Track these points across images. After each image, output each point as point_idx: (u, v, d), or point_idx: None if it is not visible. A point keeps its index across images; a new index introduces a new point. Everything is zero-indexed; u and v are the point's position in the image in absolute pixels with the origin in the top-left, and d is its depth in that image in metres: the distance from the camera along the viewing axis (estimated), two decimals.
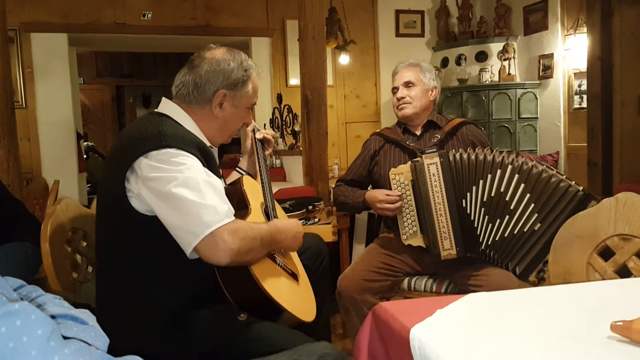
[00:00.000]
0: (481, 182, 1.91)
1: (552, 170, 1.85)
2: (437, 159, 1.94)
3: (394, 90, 2.29)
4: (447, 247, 1.94)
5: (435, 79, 2.29)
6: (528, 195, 1.84)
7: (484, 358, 0.84)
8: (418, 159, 1.99)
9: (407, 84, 2.24)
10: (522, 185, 1.85)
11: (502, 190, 1.88)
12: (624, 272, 1.43)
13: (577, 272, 1.47)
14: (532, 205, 1.84)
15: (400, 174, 2.01)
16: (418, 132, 2.27)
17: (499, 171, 1.89)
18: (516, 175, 1.87)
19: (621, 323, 0.86)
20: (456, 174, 1.94)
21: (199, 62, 1.46)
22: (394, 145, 2.27)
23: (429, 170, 1.95)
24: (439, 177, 1.94)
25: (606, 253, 1.47)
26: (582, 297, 1.14)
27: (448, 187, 1.93)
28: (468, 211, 1.93)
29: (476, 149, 1.97)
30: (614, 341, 0.87)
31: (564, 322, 0.99)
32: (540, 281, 1.82)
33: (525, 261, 1.85)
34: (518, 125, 5.38)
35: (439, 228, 1.94)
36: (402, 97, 2.23)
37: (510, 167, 1.88)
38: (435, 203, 1.94)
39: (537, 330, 0.95)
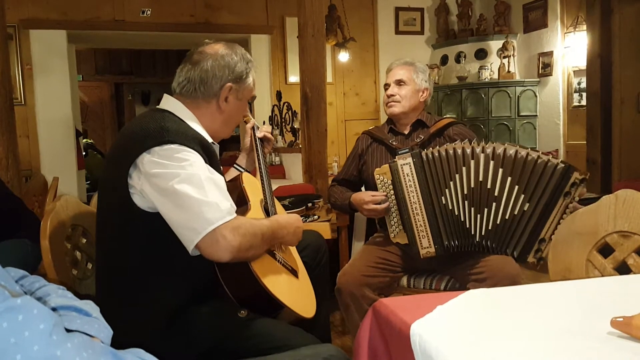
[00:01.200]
0: (457, 176, 1.92)
1: (527, 148, 1.86)
2: (409, 160, 1.95)
3: (386, 86, 2.30)
4: (426, 246, 1.96)
5: (429, 81, 2.29)
6: (509, 178, 1.86)
7: (484, 354, 0.84)
8: (395, 159, 2.00)
9: (399, 82, 2.24)
10: (500, 170, 1.87)
11: (481, 179, 1.90)
12: (623, 269, 1.44)
13: (577, 269, 1.48)
14: (517, 187, 1.85)
15: (384, 173, 2.02)
16: (406, 132, 2.27)
17: (472, 162, 1.90)
18: (491, 162, 1.88)
19: (621, 319, 0.86)
20: (431, 173, 1.95)
21: (201, 58, 1.47)
22: (379, 143, 2.29)
23: (402, 170, 1.96)
24: (412, 177, 1.95)
25: (606, 250, 1.47)
26: (582, 293, 1.14)
27: (422, 186, 1.94)
28: (450, 207, 1.94)
29: (446, 145, 1.97)
30: (614, 337, 0.87)
31: (564, 317, 0.99)
32: (539, 261, 1.82)
33: (521, 243, 1.86)
34: (517, 123, 5.38)
35: (417, 227, 1.96)
36: (392, 95, 2.24)
37: (482, 155, 1.89)
38: (411, 203, 1.96)
39: (537, 326, 0.95)
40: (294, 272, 1.56)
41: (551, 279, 1.49)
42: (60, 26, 5.05)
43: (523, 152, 1.84)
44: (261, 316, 1.36)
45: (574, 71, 5.00)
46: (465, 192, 1.92)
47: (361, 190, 2.29)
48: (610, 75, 4.24)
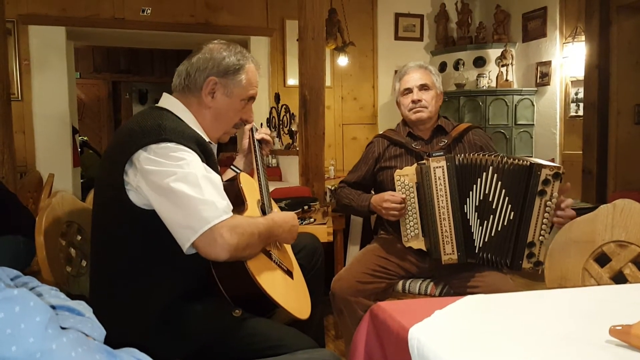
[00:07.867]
0: (474, 186, 1.92)
1: (520, 160, 1.85)
2: (444, 163, 1.92)
3: (406, 91, 2.21)
4: (449, 252, 1.94)
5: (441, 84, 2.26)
6: (504, 190, 1.86)
7: (482, 359, 0.84)
8: (424, 161, 1.97)
9: (423, 87, 2.17)
10: (500, 183, 1.87)
11: (486, 192, 1.90)
12: (619, 279, 1.44)
13: (573, 278, 1.48)
14: (507, 198, 1.85)
15: (405, 175, 1.99)
16: (426, 137, 2.22)
17: (484, 174, 1.90)
18: (495, 175, 1.88)
19: (620, 327, 0.86)
20: (462, 179, 1.93)
21: (195, 54, 1.48)
22: (398, 147, 2.23)
23: (434, 173, 1.93)
24: (444, 181, 1.93)
25: (602, 259, 1.47)
26: (581, 301, 1.14)
27: (453, 191, 1.92)
28: (468, 216, 1.93)
29: (473, 153, 1.96)
30: (612, 345, 0.87)
31: (562, 324, 0.99)
32: (536, 266, 1.81)
33: (510, 252, 1.86)
34: (514, 132, 5.40)
35: (442, 232, 1.93)
36: (419, 100, 2.16)
37: (491, 168, 1.89)
38: (439, 207, 1.93)
39: (535, 332, 0.95)
40: (289, 273, 1.55)
41: (547, 287, 1.49)
42: (59, 22, 5.04)
43: (518, 163, 1.83)
44: (256, 316, 1.35)
45: (571, 81, 5.02)
46: (477, 203, 1.91)
47: (371, 193, 2.25)
48: (608, 86, 4.26)
